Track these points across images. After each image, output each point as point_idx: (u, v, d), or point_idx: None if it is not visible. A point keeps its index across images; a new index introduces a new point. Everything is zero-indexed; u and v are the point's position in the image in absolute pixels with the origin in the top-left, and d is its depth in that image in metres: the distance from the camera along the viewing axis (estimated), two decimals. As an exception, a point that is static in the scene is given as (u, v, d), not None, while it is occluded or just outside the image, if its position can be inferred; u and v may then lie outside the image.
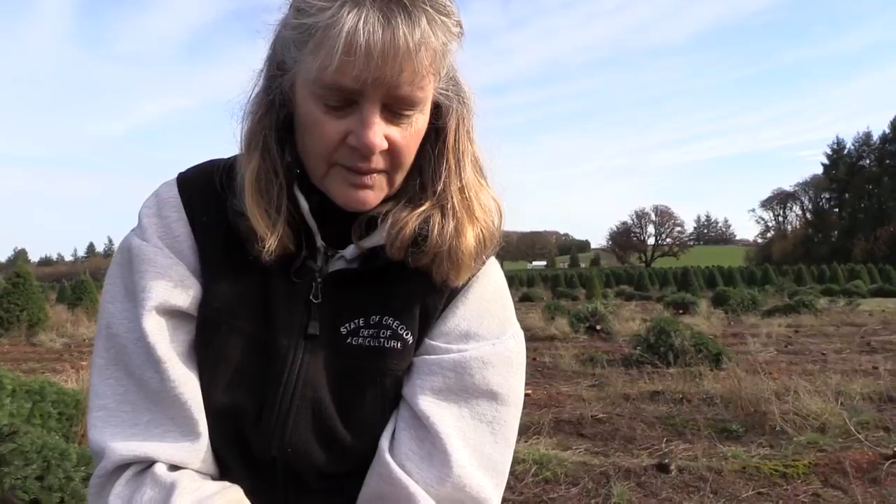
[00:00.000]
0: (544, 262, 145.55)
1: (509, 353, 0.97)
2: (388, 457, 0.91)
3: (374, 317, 0.94)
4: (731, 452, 5.54)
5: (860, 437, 5.85)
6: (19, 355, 12.00)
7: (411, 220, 0.91)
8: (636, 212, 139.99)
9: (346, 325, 0.94)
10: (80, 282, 22.03)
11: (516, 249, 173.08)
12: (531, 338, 13.94)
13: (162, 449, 0.87)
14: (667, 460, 5.11)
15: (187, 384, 0.89)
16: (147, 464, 0.88)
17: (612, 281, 49.42)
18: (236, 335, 0.92)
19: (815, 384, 7.38)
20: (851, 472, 4.91)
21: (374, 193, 0.90)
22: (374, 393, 0.93)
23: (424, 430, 0.91)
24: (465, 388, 0.93)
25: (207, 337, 0.92)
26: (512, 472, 5.00)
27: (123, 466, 0.88)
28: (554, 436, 6.04)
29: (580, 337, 13.83)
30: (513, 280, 46.83)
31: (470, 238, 0.92)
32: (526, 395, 7.58)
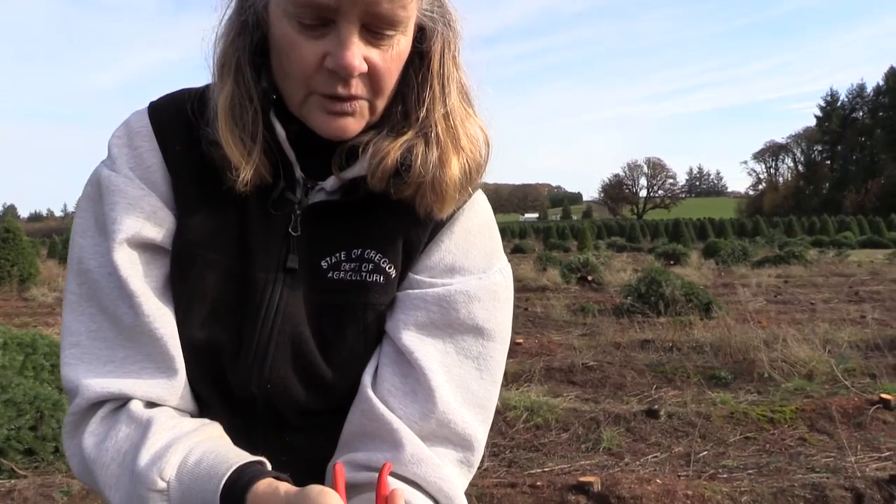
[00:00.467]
0: (536, 215, 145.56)
1: (496, 288, 0.93)
2: (370, 392, 0.88)
3: (355, 250, 0.91)
4: (719, 398, 5.62)
5: (847, 383, 5.94)
6: (11, 310, 11.99)
7: (393, 150, 0.87)
8: (628, 164, 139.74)
9: (327, 258, 0.90)
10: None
11: (508, 202, 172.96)
12: (523, 288, 13.99)
13: (137, 385, 0.85)
14: (656, 406, 5.17)
15: (162, 319, 0.86)
16: (123, 401, 0.86)
17: (604, 233, 49.49)
18: (212, 269, 0.88)
19: (804, 332, 7.46)
20: (837, 416, 4.98)
21: (354, 121, 0.86)
22: (355, 328, 0.90)
23: (408, 366, 0.89)
24: (450, 322, 0.90)
25: (182, 271, 0.89)
26: (503, 418, 5.05)
27: (98, 404, 0.86)
28: (545, 383, 6.10)
29: (571, 287, 13.90)
30: (504, 232, 46.86)
31: (454, 168, 0.88)
32: (517, 343, 7.64)
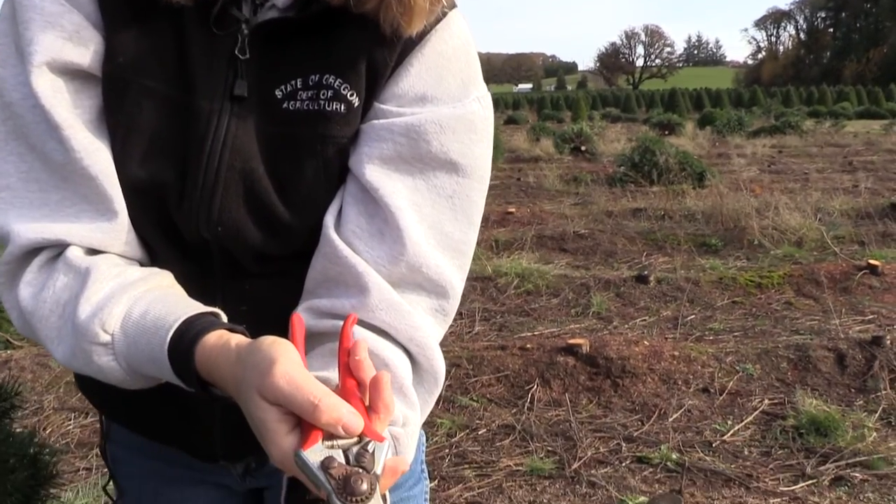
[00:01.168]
0: (530, 85, 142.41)
1: (472, 118, 0.82)
2: (333, 234, 0.80)
3: (313, 76, 0.79)
4: (709, 264, 5.66)
5: (836, 249, 5.98)
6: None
7: None
8: (625, 31, 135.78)
9: (282, 87, 0.80)
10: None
11: (501, 72, 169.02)
12: (516, 159, 13.87)
13: (76, 230, 0.77)
14: (646, 272, 5.21)
15: (95, 154, 0.76)
16: (61, 248, 0.78)
17: (599, 103, 48.63)
18: (148, 97, 0.78)
19: (796, 201, 7.45)
20: (825, 282, 5.04)
21: None
22: (314, 164, 0.80)
23: (374, 205, 0.80)
24: (420, 156, 0.80)
25: (115, 100, 0.78)
26: (495, 284, 5.09)
27: (34, 252, 0.78)
28: (536, 251, 6.12)
29: (565, 158, 13.77)
30: (498, 103, 45.95)
31: None
32: (509, 212, 7.62)
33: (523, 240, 6.34)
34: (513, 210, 7.75)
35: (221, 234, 0.80)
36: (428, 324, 0.81)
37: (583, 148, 13.91)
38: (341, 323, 0.70)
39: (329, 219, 0.81)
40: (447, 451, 3.08)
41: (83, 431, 3.32)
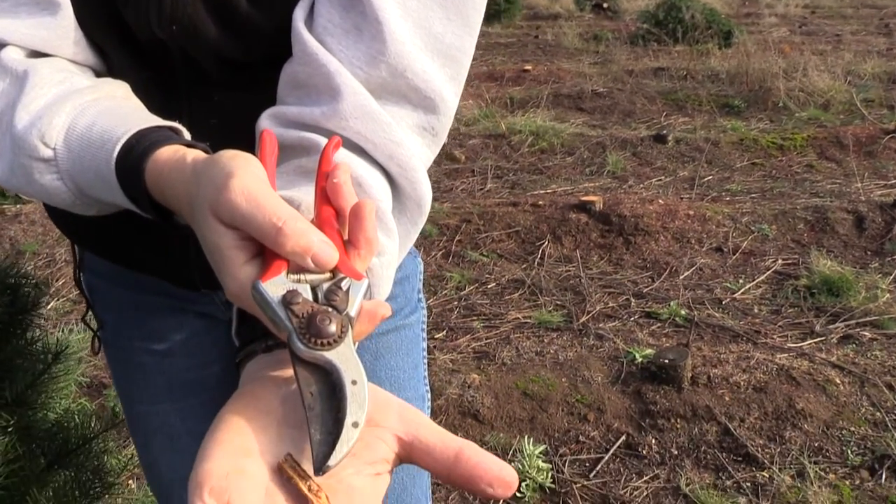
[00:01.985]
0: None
1: None
2: (302, 30, 0.67)
3: None
4: (730, 126, 5.49)
5: (864, 112, 5.76)
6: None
7: None
8: None
9: None
10: None
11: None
12: (534, 17, 13.26)
13: (13, 27, 0.66)
14: (664, 132, 5.05)
15: None
16: None
17: (624, -40, 46.15)
18: None
19: (826, 63, 7.11)
20: (850, 144, 4.88)
21: None
22: None
23: None
24: None
25: None
26: (508, 142, 4.97)
27: None
28: (552, 109, 5.93)
29: (585, 16, 13.16)
30: (517, -42, 43.70)
31: None
32: (525, 70, 7.35)
33: (539, 98, 6.13)
34: (529, 68, 7.46)
35: (177, 34, 0.68)
36: (413, 142, 0.69)
37: (605, 5, 13.27)
38: (308, 134, 0.60)
39: (299, 12, 0.68)
40: (456, 303, 3.09)
41: (96, 279, 3.35)
